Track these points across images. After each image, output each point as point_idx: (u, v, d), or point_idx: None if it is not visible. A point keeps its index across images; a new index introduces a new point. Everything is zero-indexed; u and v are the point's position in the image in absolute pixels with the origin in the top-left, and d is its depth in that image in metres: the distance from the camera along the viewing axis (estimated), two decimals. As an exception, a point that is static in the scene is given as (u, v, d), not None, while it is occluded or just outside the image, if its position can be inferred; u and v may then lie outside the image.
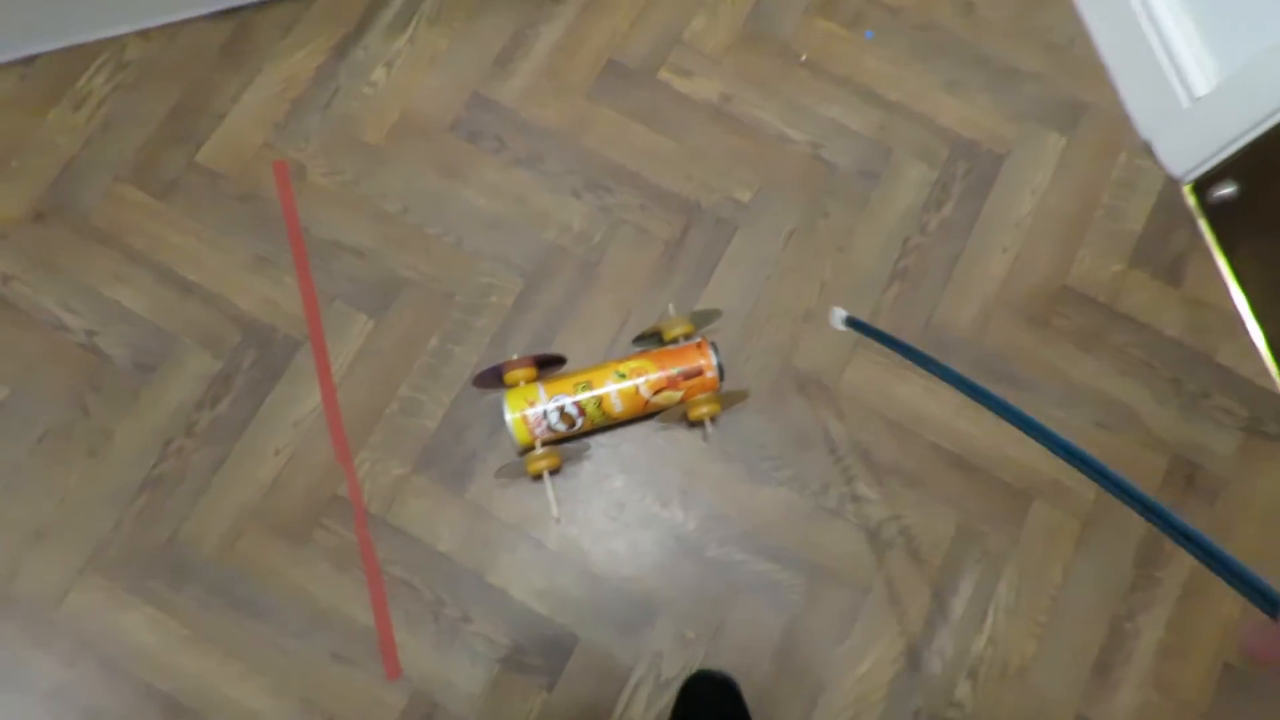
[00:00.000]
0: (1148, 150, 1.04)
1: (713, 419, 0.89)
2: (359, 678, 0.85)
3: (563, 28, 1.05)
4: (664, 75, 1.04)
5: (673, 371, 0.86)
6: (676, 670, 0.86)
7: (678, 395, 0.87)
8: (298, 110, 1.01)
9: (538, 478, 0.87)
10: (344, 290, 0.95)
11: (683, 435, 0.93)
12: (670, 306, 0.94)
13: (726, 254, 0.98)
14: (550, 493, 0.87)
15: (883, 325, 0.96)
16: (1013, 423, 0.44)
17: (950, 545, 0.90)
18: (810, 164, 1.02)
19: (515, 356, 0.89)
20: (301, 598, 0.87)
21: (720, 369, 0.87)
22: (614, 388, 0.85)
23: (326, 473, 0.90)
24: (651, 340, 0.92)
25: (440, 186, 0.99)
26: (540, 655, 0.87)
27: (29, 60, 1.01)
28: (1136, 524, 0.91)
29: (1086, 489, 0.92)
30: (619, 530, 0.90)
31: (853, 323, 0.72)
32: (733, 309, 0.96)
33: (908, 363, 0.91)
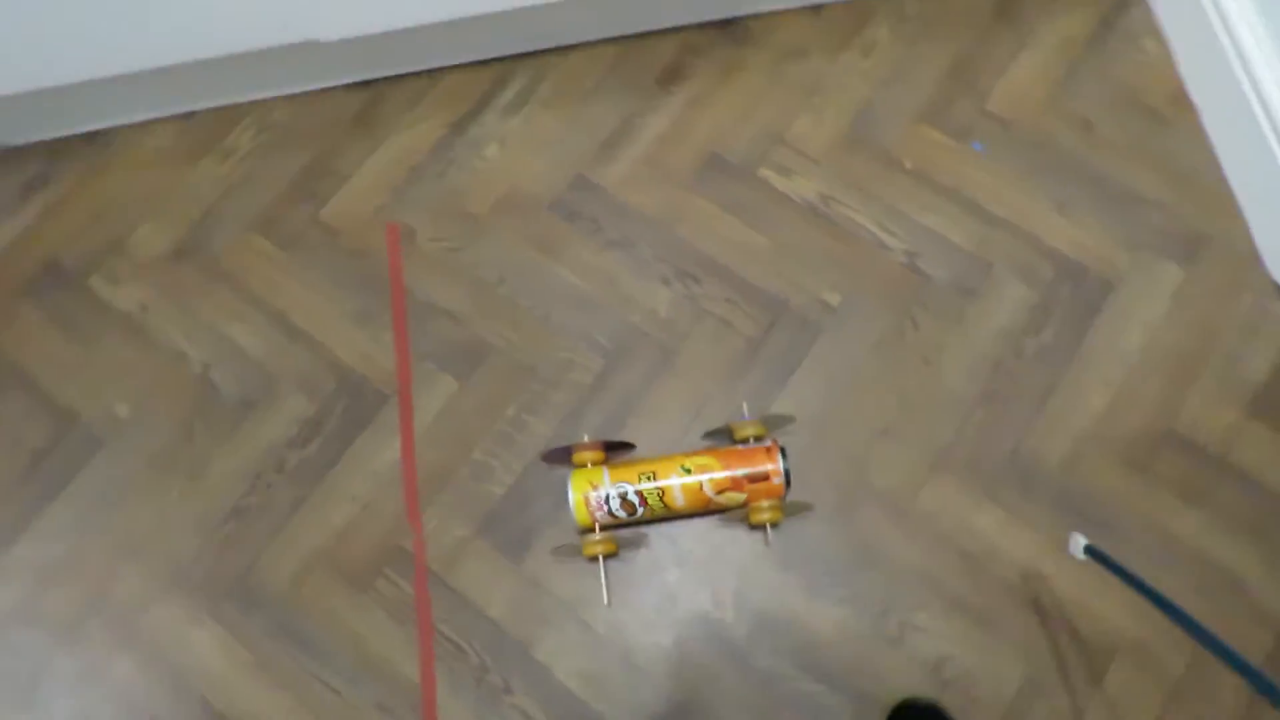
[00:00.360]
0: (1277, 292, 0.97)
1: (774, 525, 0.88)
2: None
3: (669, 119, 1.09)
4: (764, 172, 1.05)
5: (738, 473, 0.85)
6: None
7: (741, 497, 0.86)
8: (414, 178, 1.08)
9: (593, 560, 0.88)
10: (435, 351, 1.00)
11: (744, 536, 0.91)
12: (744, 405, 0.94)
13: (808, 356, 0.97)
14: (603, 578, 0.87)
15: (965, 450, 0.92)
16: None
17: (1015, 696, 0.85)
18: (904, 273, 1.00)
19: (586, 438, 0.90)
20: (356, 643, 0.90)
21: (787, 476, 0.86)
22: (678, 481, 0.86)
23: (395, 525, 0.94)
24: (721, 437, 0.92)
25: (536, 261, 1.03)
26: (574, 740, 0.86)
27: (189, 115, 1.12)
28: (1228, 702, 0.83)
29: (1175, 656, 0.85)
30: (668, 625, 0.89)
31: (1093, 553, 0.69)
32: (809, 415, 0.95)
33: (989, 491, 0.90)
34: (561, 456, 0.90)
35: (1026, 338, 0.97)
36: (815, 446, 0.94)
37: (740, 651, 0.88)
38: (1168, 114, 1.07)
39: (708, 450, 0.88)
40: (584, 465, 0.89)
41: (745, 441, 0.89)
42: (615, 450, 0.92)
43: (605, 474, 0.86)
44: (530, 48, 1.11)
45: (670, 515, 0.88)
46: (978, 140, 1.06)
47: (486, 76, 1.12)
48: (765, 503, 0.86)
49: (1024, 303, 0.98)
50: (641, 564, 0.91)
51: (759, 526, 0.88)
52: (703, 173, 1.06)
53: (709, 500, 0.86)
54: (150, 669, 0.90)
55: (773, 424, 0.91)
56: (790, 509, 0.88)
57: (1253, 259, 0.99)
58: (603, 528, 0.88)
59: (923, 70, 1.10)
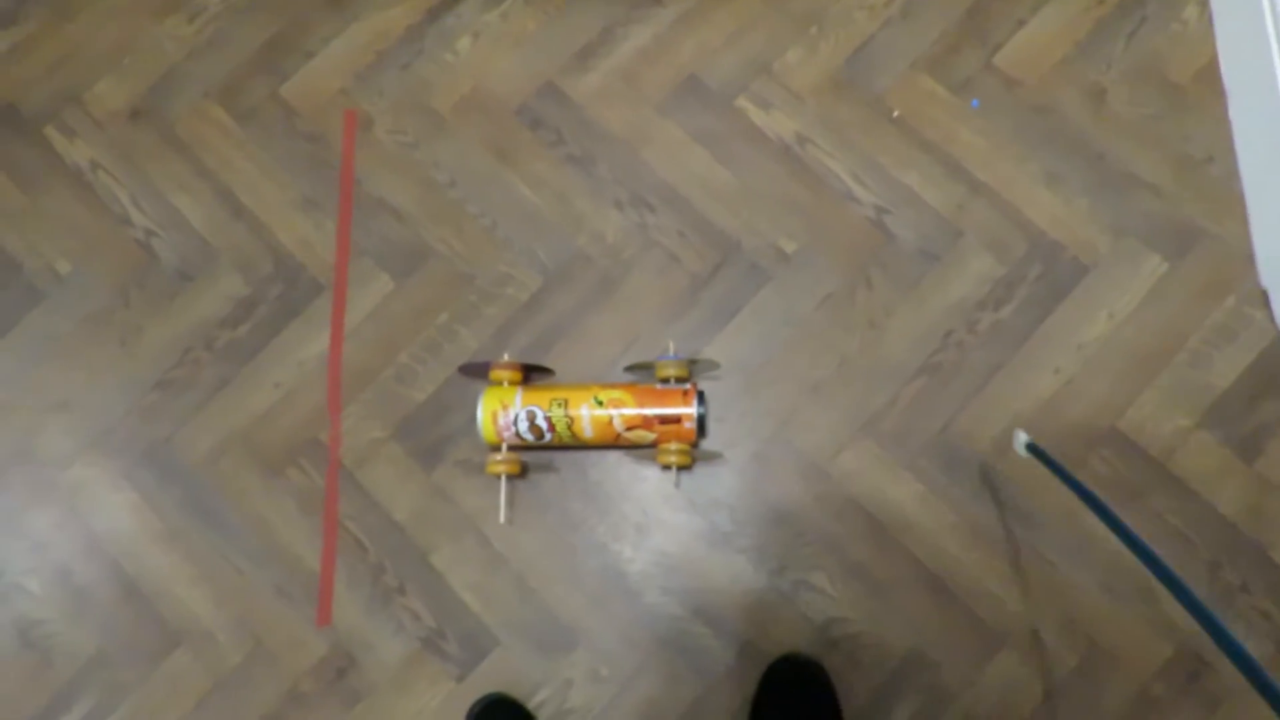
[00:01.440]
0: (1263, 299, 0.91)
1: (682, 468, 0.87)
2: (291, 615, 0.89)
3: (652, 33, 1.02)
4: (741, 103, 0.99)
5: (649, 412, 0.84)
6: (580, 703, 0.85)
7: (650, 436, 0.84)
8: (380, 65, 1.03)
9: (495, 477, 0.87)
10: (376, 248, 0.98)
11: (654, 475, 0.90)
12: (670, 344, 0.91)
13: (752, 303, 0.94)
14: (503, 496, 0.87)
15: (895, 420, 0.89)
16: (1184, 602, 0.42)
17: (898, 666, 0.84)
18: (868, 229, 0.95)
19: (506, 357, 0.89)
20: (263, 527, 0.92)
21: (701, 423, 0.84)
22: (587, 412, 0.84)
23: (314, 418, 0.94)
24: (644, 373, 0.90)
25: (491, 168, 0.99)
26: (459, 646, 0.88)
27: (158, -32, 1.07)
28: (1110, 706, 0.81)
29: (1069, 654, 0.83)
30: (564, 551, 0.89)
31: (1034, 450, 0.68)
32: (741, 362, 0.92)
33: (910, 464, 0.87)
34: (479, 371, 0.89)
35: (983, 313, 0.92)
36: (741, 396, 0.91)
37: (632, 586, 0.88)
38: (1191, 94, 0.98)
39: (625, 385, 0.86)
40: (499, 383, 0.87)
41: (665, 381, 0.86)
42: (534, 373, 0.91)
43: (518, 395, 0.85)
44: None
45: (578, 445, 0.87)
46: (976, 97, 0.98)
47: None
48: (674, 445, 0.84)
49: (988, 276, 0.93)
50: (548, 488, 0.91)
51: (668, 468, 0.86)
52: (678, 95, 1.00)
53: (618, 435, 0.84)
54: (67, 525, 0.93)
55: (699, 368, 0.88)
56: (701, 455, 0.86)
57: (1245, 263, 0.92)
58: (510, 448, 0.87)
59: (933, 12, 1.01)
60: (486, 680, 0.87)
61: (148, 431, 0.94)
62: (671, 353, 0.90)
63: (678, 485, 0.89)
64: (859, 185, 0.96)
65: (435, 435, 0.92)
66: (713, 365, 0.89)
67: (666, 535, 0.89)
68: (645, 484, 0.90)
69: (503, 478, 0.86)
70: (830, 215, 0.96)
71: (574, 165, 0.99)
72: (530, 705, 0.85)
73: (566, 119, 1.00)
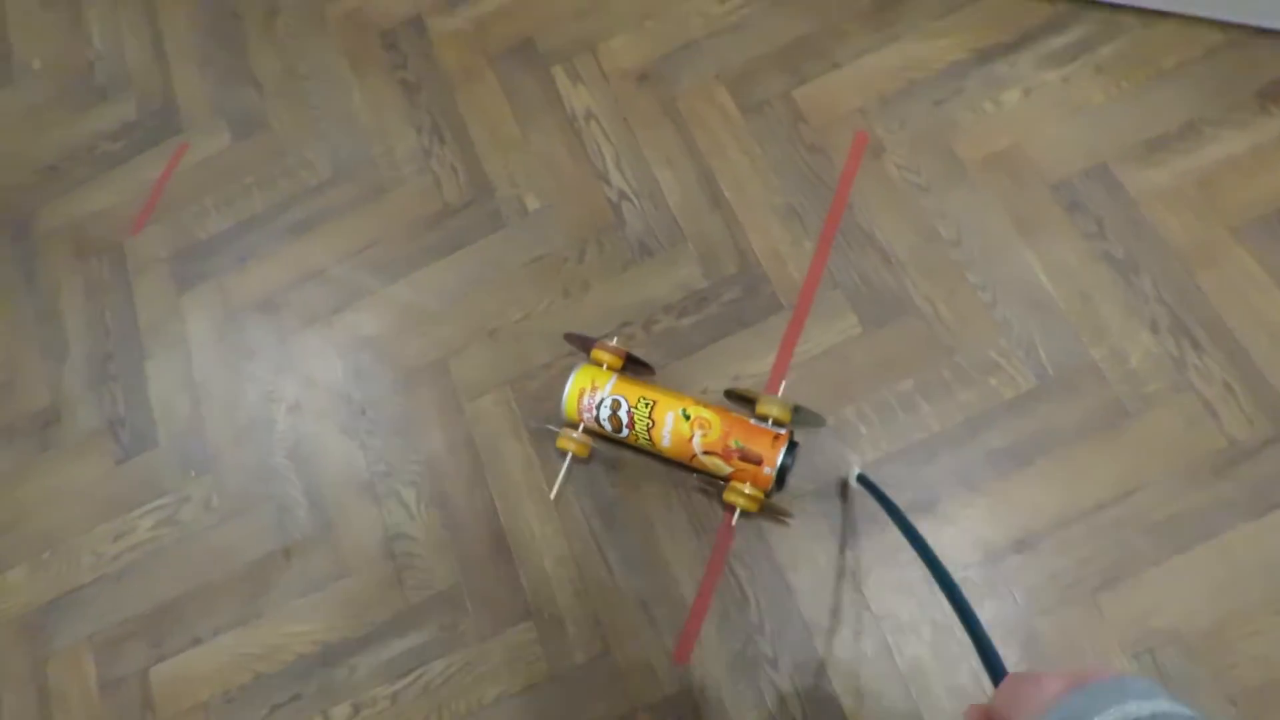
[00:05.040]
0: None
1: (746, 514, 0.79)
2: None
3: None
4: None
5: (732, 444, 0.76)
6: (187, 518, 0.95)
7: (726, 469, 0.77)
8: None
9: (562, 453, 0.84)
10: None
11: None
12: (783, 385, 0.84)
13: (475, 245, 0.98)
14: (562, 474, 0.85)
15: (539, 385, 0.91)
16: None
17: (432, 596, 0.86)
18: (604, 209, 0.96)
19: (615, 342, 0.83)
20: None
21: (782, 475, 0.75)
22: (672, 421, 0.78)
23: (733, 438, 0.86)
24: (744, 401, 0.81)
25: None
26: (818, 750, 0.76)
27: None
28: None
29: (581, 651, 0.81)
30: (234, 379, 0.93)
31: (863, 480, 0.72)
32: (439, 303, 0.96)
33: (534, 429, 0.88)
34: (583, 345, 0.84)
35: (665, 316, 0.90)
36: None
37: (267, 442, 0.96)
38: (971, 174, 0.90)
39: (720, 409, 0.79)
40: (599, 365, 0.82)
41: (763, 419, 0.78)
42: (639, 367, 0.85)
43: (611, 381, 0.81)
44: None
45: (653, 451, 0.81)
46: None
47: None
48: (747, 488, 0.76)
49: (688, 285, 0.91)
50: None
51: (733, 508, 0.78)
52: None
53: (693, 455, 0.78)
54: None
55: (801, 417, 0.79)
56: (768, 508, 0.78)
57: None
58: (586, 430, 0.83)
59: (761, 32, 1.00)
60: None
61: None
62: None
63: (733, 526, 0.81)
64: (615, 170, 0.97)
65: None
66: (819, 420, 0.80)
67: (317, 414, 0.94)
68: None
69: (569, 456, 0.83)
70: (578, 187, 0.98)
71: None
72: (149, 505, 0.95)
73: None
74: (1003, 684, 0.37)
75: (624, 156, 0.99)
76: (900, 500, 0.78)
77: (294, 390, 0.97)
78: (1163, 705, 0.29)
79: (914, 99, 0.94)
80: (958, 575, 0.65)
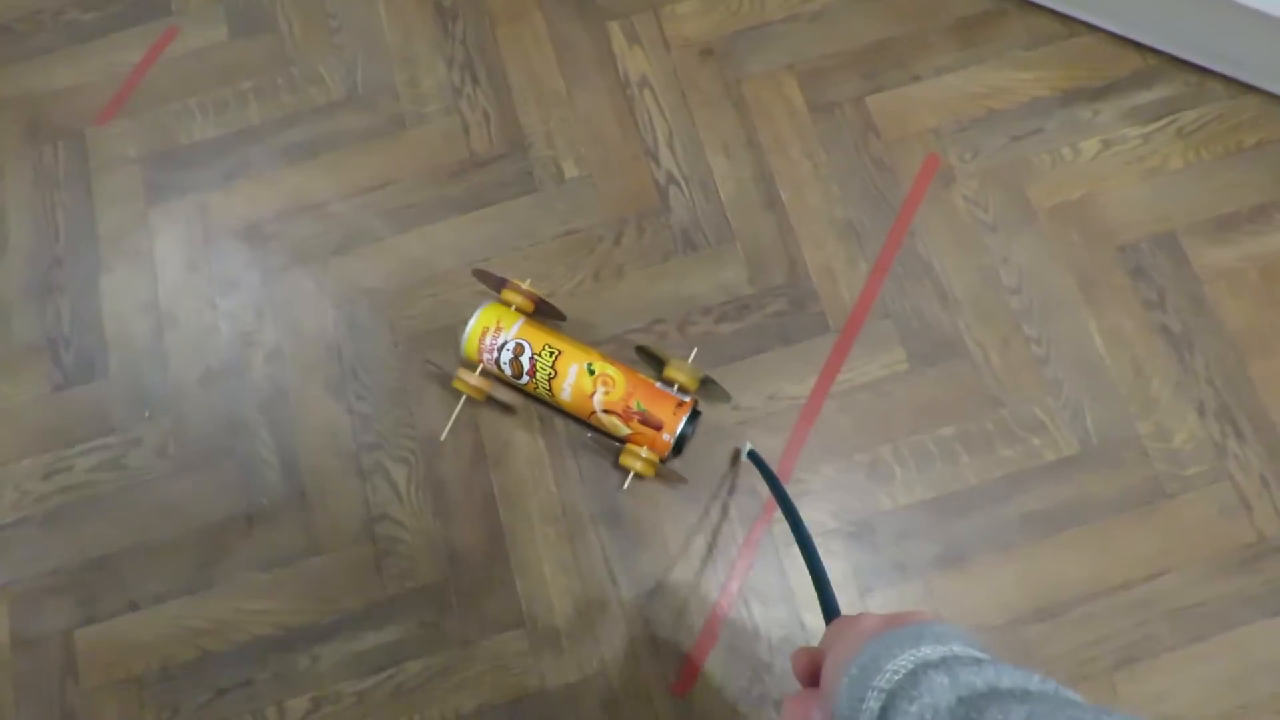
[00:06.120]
0: None
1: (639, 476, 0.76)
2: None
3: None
4: None
5: (633, 406, 0.74)
6: (135, 466, 0.83)
7: (624, 430, 0.75)
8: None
9: (456, 394, 0.80)
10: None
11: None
12: (694, 351, 0.81)
13: (502, 204, 0.89)
14: (454, 416, 0.80)
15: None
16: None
17: (416, 589, 0.79)
18: (651, 191, 0.89)
19: (528, 284, 0.77)
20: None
21: (680, 443, 0.74)
22: (573, 374, 0.75)
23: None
24: (653, 361, 0.79)
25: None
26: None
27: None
28: None
29: (588, 657, 0.61)
30: (209, 332, 0.72)
31: (754, 457, 0.72)
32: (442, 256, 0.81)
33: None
34: (493, 284, 0.79)
35: (704, 319, 0.84)
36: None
37: (240, 395, 0.85)
38: (1040, 222, 0.88)
39: (627, 368, 0.77)
40: (508, 305, 0.78)
41: (669, 384, 0.76)
42: (548, 314, 0.81)
43: (518, 324, 0.77)
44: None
45: (552, 403, 0.78)
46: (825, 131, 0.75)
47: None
48: (644, 451, 0.74)
49: (731, 289, 0.85)
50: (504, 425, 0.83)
51: (626, 469, 0.75)
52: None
53: (592, 411, 0.76)
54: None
55: (710, 391, 0.78)
56: (664, 473, 0.76)
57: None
58: (484, 373, 0.78)
59: (843, 30, 0.93)
60: None
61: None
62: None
63: (626, 488, 0.77)
64: (667, 148, 0.90)
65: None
66: (726, 397, 0.79)
67: (301, 367, 0.85)
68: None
69: (462, 399, 0.79)
70: (625, 161, 0.90)
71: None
72: (91, 443, 0.83)
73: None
74: (831, 624, 0.37)
75: (678, 136, 0.90)
76: (928, 552, 0.76)
77: (275, 335, 0.86)
78: (955, 649, 0.29)
79: (991, 130, 0.89)
80: (978, 635, 0.63)
